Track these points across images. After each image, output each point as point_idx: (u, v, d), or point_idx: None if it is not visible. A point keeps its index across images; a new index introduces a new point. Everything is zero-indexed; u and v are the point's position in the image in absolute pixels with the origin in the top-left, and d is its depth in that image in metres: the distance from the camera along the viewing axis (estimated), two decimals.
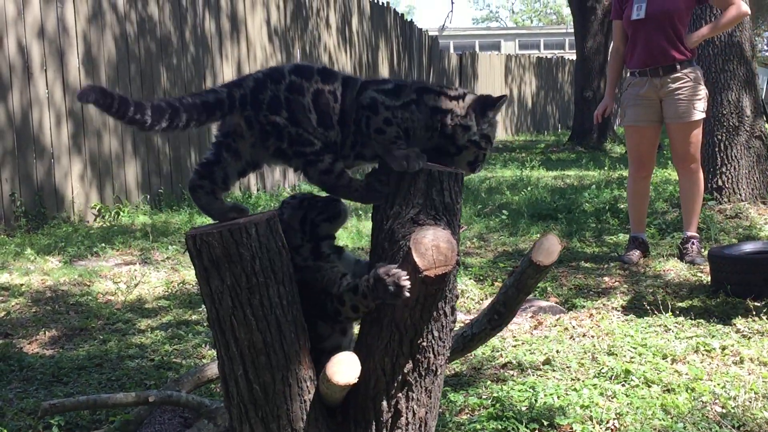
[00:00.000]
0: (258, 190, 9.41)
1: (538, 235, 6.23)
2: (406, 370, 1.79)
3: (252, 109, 1.87)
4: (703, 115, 5.22)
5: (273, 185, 9.88)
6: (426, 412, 1.85)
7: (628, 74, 5.38)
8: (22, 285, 5.05)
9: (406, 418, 1.85)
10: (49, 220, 7.02)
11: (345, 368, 1.73)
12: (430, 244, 1.69)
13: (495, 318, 2.02)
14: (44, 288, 5.02)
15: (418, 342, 1.78)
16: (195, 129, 1.89)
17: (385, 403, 1.82)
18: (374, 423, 1.86)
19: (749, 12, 5.29)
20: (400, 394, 1.81)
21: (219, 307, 1.75)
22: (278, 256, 1.77)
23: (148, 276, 5.27)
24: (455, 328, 1.98)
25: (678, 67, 5.14)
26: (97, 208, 7.53)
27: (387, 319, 1.78)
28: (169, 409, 2.81)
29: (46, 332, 4.17)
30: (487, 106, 1.98)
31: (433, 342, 1.80)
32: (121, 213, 7.56)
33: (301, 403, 1.78)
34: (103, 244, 6.18)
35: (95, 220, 7.48)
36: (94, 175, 7.58)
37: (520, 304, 2.01)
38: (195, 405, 2.59)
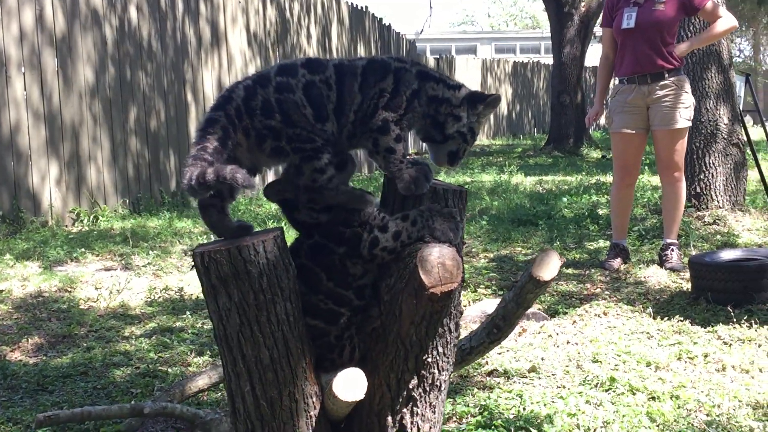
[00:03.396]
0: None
1: (520, 242, 6.30)
2: (411, 386, 1.81)
3: (248, 117, 1.87)
4: (689, 124, 5.29)
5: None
6: (430, 428, 1.86)
7: (617, 81, 5.45)
8: (2, 291, 4.99)
9: None
10: (27, 224, 6.94)
11: (351, 385, 1.74)
12: (436, 261, 1.71)
13: (494, 332, 2.04)
14: (25, 294, 4.97)
15: (424, 358, 1.80)
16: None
17: (390, 418, 1.83)
18: None
19: (737, 25, 5.37)
20: (405, 410, 1.83)
21: (226, 324, 1.75)
22: (285, 273, 1.77)
23: (130, 282, 5.23)
24: None
25: (666, 75, 5.21)
26: (76, 212, 7.45)
27: (392, 336, 1.80)
28: (161, 420, 2.81)
29: (29, 339, 4.13)
30: (478, 99, 2.03)
31: (438, 358, 1.81)
32: (100, 217, 7.49)
33: (307, 419, 1.79)
34: (83, 249, 6.12)
35: (73, 224, 7.40)
36: (72, 178, 7.50)
37: (519, 318, 2.03)
38: (189, 416, 2.58)
